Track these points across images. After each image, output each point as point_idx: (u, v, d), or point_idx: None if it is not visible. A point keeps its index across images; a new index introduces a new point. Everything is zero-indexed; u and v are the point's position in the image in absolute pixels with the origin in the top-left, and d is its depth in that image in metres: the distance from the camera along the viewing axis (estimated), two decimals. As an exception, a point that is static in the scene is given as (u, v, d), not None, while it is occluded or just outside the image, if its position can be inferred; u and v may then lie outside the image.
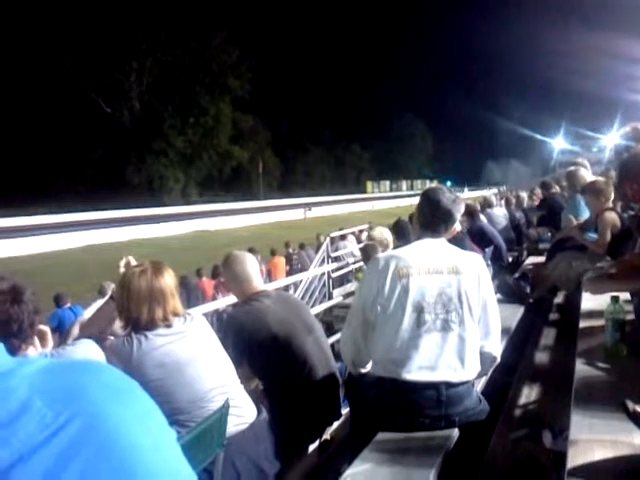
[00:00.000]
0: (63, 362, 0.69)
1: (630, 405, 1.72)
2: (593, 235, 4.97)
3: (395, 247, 5.70)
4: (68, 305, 8.44)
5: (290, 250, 15.30)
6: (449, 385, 2.26)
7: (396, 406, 2.30)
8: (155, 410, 0.64)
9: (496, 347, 2.44)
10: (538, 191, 11.01)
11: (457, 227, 6.45)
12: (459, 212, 2.58)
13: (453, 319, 2.30)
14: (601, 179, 5.17)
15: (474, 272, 2.37)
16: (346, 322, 2.57)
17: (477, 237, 6.25)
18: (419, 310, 2.30)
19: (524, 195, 11.37)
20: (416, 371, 2.26)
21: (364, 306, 2.42)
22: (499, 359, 2.44)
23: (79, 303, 8.68)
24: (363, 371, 2.56)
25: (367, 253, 5.08)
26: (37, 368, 0.59)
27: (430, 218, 2.55)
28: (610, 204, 4.65)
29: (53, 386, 0.57)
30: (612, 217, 4.45)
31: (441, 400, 2.25)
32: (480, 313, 2.36)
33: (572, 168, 6.24)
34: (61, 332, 7.15)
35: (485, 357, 2.40)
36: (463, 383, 2.29)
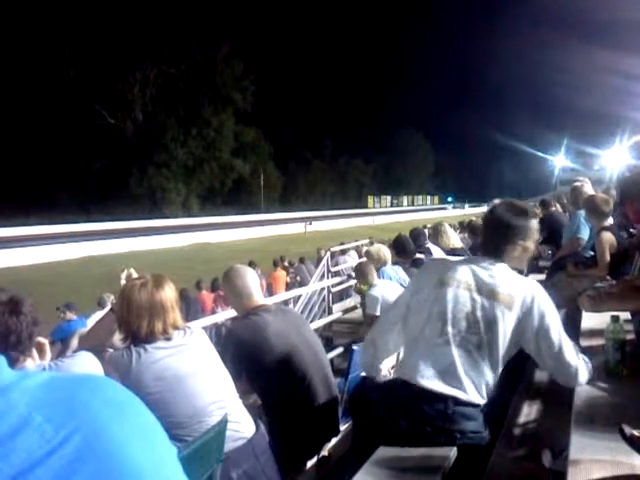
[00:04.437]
0: (64, 376, 0.68)
1: (627, 430, 1.70)
2: (591, 252, 4.96)
3: (395, 263, 5.70)
4: (74, 317, 8.36)
5: (285, 264, 15.25)
6: (457, 401, 2.23)
7: (402, 409, 2.30)
8: (156, 426, 0.63)
9: (573, 379, 2.26)
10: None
11: (457, 243, 6.50)
12: (525, 228, 2.38)
13: (473, 341, 2.25)
14: (601, 195, 5.14)
15: (517, 302, 2.25)
16: (378, 321, 2.64)
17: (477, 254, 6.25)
18: (443, 321, 2.28)
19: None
20: (429, 379, 2.25)
21: (401, 302, 2.49)
22: (582, 381, 2.26)
23: (78, 314, 8.62)
24: (380, 374, 2.57)
25: (361, 271, 5.07)
26: (38, 382, 0.59)
27: (484, 234, 2.52)
28: (608, 222, 4.63)
29: (54, 401, 0.57)
30: (609, 237, 4.41)
31: (447, 413, 2.22)
32: (535, 345, 2.26)
33: (577, 184, 6.18)
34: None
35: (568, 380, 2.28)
36: (472, 404, 2.26)
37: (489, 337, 2.25)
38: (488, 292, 2.27)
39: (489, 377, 2.28)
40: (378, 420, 2.41)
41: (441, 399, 2.23)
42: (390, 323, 2.51)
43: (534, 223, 2.43)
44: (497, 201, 2.60)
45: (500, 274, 2.31)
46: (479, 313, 2.26)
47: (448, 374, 2.25)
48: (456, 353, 2.25)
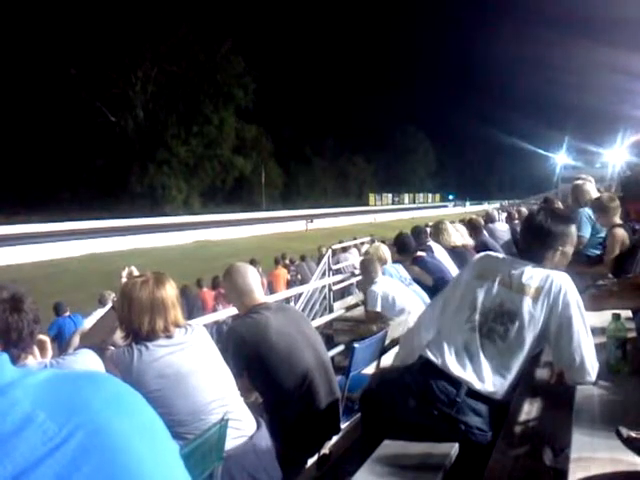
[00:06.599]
0: (67, 373, 0.68)
1: (624, 431, 1.70)
2: (595, 251, 4.96)
3: (396, 261, 5.70)
4: (67, 314, 8.42)
5: (286, 261, 15.23)
6: (470, 391, 2.26)
7: (414, 386, 2.36)
8: (159, 423, 0.63)
9: (584, 376, 2.24)
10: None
11: (458, 241, 6.49)
12: (565, 234, 2.41)
13: (499, 331, 2.29)
14: (607, 195, 5.14)
15: (544, 293, 2.27)
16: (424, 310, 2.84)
17: (479, 251, 6.25)
18: (472, 309, 2.35)
19: (525, 210, 11.36)
20: (448, 360, 2.31)
21: (443, 293, 2.65)
22: (591, 380, 2.25)
23: (79, 312, 8.65)
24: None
25: (366, 267, 5.06)
26: (41, 379, 0.59)
27: (523, 239, 2.55)
28: (618, 220, 4.63)
29: (56, 398, 0.57)
30: (622, 233, 4.43)
31: (457, 400, 2.26)
32: (556, 335, 2.27)
33: (579, 182, 6.17)
34: (60, 341, 7.14)
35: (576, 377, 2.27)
36: (485, 399, 2.28)
37: (516, 329, 2.28)
38: (518, 287, 2.32)
39: (511, 368, 2.30)
40: (387, 408, 2.49)
41: (455, 384, 2.27)
42: (433, 312, 2.65)
43: (573, 229, 2.48)
44: (534, 203, 2.65)
45: (532, 271, 2.36)
46: (507, 306, 2.30)
47: (468, 359, 2.30)
48: (480, 341, 2.30)
